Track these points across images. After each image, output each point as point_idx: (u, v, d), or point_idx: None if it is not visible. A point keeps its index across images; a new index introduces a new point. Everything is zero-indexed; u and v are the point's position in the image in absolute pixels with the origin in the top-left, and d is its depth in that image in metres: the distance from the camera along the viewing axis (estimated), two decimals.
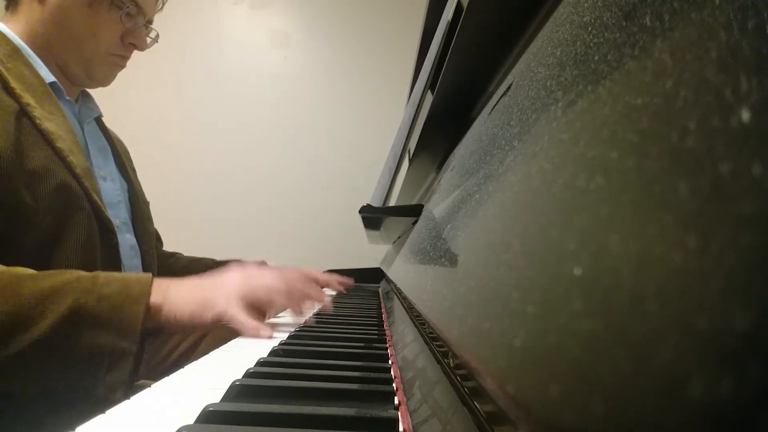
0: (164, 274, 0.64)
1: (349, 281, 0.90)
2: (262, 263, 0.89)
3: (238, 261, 0.96)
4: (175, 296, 0.57)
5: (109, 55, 0.79)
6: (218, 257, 1.03)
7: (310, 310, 0.69)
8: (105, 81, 0.82)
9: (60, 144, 0.65)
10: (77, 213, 0.65)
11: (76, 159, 0.67)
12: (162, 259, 0.97)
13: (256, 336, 0.56)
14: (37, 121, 0.64)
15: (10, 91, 0.64)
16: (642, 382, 0.08)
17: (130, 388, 0.53)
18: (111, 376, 0.52)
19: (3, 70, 0.65)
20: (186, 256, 1.04)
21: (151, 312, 0.55)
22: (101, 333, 0.52)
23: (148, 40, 0.85)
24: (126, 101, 1.86)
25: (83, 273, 0.56)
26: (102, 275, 0.56)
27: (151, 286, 0.56)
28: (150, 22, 0.84)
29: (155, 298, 0.56)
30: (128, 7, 0.77)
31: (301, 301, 0.67)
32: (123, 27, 0.78)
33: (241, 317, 0.57)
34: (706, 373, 0.07)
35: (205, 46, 2.05)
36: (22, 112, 0.63)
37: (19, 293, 0.50)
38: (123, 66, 0.83)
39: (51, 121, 0.66)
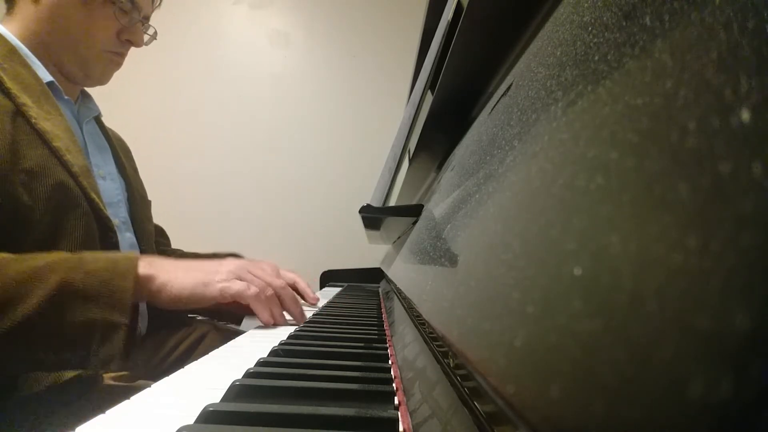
0: None
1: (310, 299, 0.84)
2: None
3: (235, 255, 0.97)
4: (172, 270, 0.59)
5: (105, 52, 0.79)
6: None
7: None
8: (102, 79, 0.82)
9: (57, 143, 0.65)
10: (75, 211, 0.65)
11: (73, 158, 0.67)
12: (164, 255, 0.98)
13: (265, 309, 0.61)
14: (33, 121, 0.64)
15: (5, 92, 0.64)
16: (642, 382, 0.08)
17: (125, 361, 0.54)
18: (104, 349, 0.53)
19: None
20: (186, 252, 1.05)
21: (142, 285, 0.56)
22: (90, 307, 0.52)
23: (146, 36, 0.85)
24: (125, 101, 1.86)
25: (68, 254, 0.56)
26: (88, 254, 0.56)
27: (138, 260, 0.57)
28: (147, 18, 0.83)
29: (144, 270, 0.57)
30: (121, 2, 0.76)
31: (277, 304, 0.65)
32: (118, 23, 0.78)
33: (249, 291, 0.60)
34: (706, 373, 0.07)
35: (204, 46, 2.05)
36: (18, 112, 0.63)
37: (5, 274, 0.51)
38: (120, 63, 0.83)
39: (47, 120, 0.66)
